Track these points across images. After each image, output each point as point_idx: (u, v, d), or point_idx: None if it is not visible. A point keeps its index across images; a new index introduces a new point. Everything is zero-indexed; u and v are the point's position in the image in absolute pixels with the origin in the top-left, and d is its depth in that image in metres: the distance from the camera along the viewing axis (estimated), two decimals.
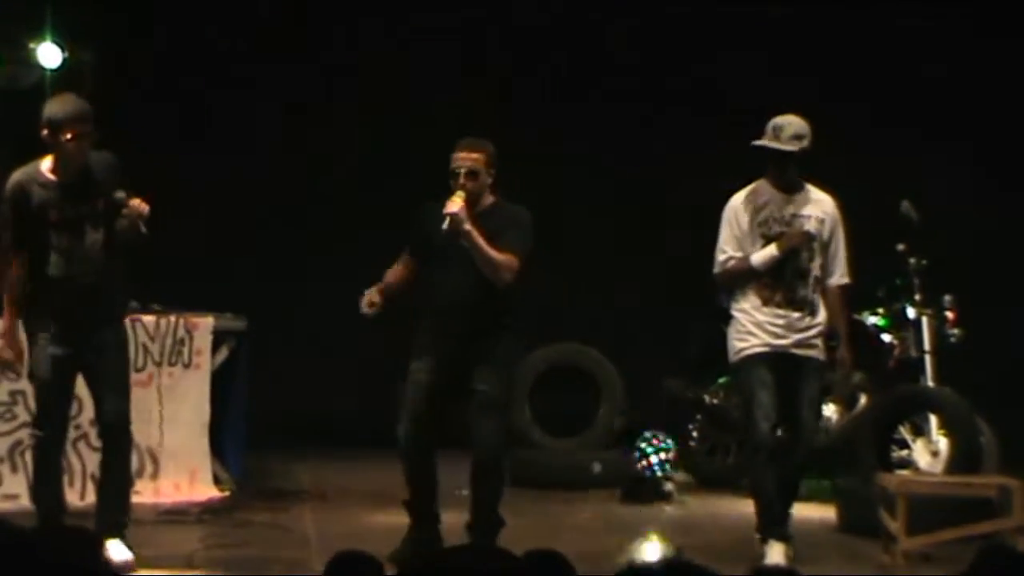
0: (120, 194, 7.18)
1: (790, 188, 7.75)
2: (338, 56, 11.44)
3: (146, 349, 9.05)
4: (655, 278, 11.11)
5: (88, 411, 7.90)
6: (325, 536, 8.15)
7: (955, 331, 9.23)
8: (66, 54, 10.36)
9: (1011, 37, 11.03)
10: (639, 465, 9.73)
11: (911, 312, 9.27)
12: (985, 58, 11.20)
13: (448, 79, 11.30)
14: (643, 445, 9.80)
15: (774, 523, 7.64)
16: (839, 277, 7.78)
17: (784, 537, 7.62)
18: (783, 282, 7.67)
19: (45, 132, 7.18)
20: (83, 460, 8.62)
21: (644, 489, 9.65)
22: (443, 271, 7.45)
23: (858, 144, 10.80)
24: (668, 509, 9.50)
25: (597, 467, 10.07)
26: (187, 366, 9.18)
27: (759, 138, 7.68)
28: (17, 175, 7.28)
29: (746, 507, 8.05)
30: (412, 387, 7.50)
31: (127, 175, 7.28)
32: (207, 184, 11.00)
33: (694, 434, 10.20)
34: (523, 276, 7.43)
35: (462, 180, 7.38)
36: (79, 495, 8.48)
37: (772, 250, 7.66)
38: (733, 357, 7.74)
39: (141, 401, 8.67)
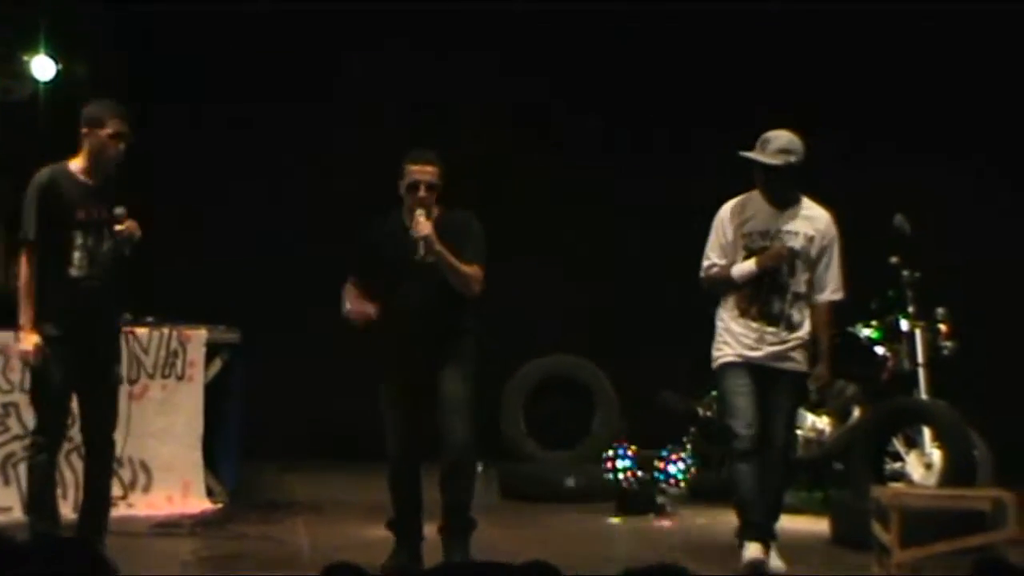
0: (120, 210, 7.18)
1: (781, 202, 7.74)
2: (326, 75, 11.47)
3: (139, 361, 9.06)
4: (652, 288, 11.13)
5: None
6: (318, 548, 8.15)
7: (948, 343, 9.23)
8: (60, 67, 10.37)
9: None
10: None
11: (904, 324, 9.27)
12: (981, 68, 11.20)
13: None
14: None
15: (749, 525, 7.66)
16: (830, 292, 7.77)
17: (760, 537, 7.62)
18: (759, 296, 7.69)
19: (85, 130, 7.18)
20: (75, 472, 8.59)
21: (637, 501, 9.64)
22: (404, 283, 7.34)
23: (850, 156, 10.82)
24: (661, 521, 9.49)
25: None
26: (180, 378, 9.19)
27: (750, 150, 7.71)
28: (47, 170, 7.25)
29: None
30: (391, 413, 7.43)
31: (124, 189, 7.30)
32: (201, 196, 11.00)
33: (688, 446, 10.20)
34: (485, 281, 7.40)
35: (423, 193, 7.32)
36: (72, 507, 8.44)
37: (751, 265, 7.68)
38: (712, 365, 7.80)
39: (134, 413, 8.68)
